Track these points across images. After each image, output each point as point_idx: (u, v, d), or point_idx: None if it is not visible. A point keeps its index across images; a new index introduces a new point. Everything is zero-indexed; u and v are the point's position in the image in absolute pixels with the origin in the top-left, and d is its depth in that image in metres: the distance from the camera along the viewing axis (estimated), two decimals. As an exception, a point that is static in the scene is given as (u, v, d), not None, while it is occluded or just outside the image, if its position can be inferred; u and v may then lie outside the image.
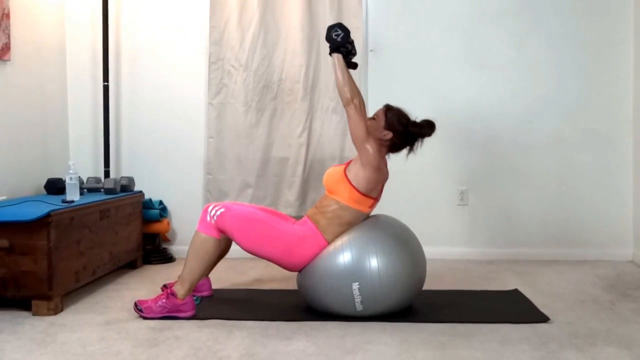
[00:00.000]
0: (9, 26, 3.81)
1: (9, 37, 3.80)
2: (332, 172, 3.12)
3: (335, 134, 4.45)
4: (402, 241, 3.02)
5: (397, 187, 4.47)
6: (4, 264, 3.04)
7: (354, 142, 3.02)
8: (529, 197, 4.47)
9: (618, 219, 4.43)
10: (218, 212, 3.02)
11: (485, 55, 4.46)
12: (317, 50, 4.43)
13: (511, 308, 3.18)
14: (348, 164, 3.09)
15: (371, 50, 4.50)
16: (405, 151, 3.13)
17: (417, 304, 3.16)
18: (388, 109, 3.08)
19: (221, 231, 3.03)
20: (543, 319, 2.95)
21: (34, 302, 3.06)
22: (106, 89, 4.42)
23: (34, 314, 3.05)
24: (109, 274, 3.87)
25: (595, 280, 3.79)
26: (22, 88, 4.03)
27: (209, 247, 3.03)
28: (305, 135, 4.44)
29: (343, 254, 2.91)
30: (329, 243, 3.01)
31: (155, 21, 4.59)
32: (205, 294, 3.39)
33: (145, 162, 4.61)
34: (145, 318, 2.99)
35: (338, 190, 3.03)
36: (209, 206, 3.08)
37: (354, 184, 2.98)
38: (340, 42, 3.02)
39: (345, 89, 3.00)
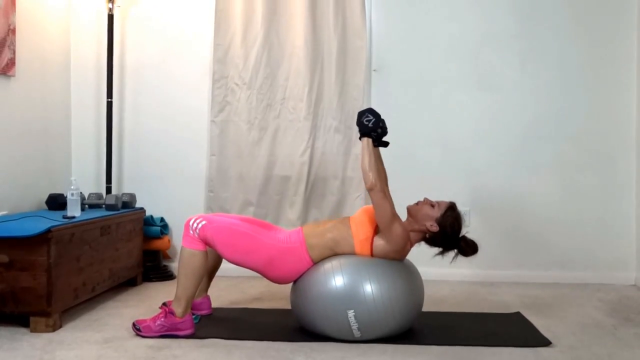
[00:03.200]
0: (15, 42, 3.83)
1: (14, 53, 3.82)
2: (368, 211, 3.05)
3: (337, 152, 4.44)
4: (395, 264, 2.97)
5: (400, 207, 4.46)
6: (3, 280, 3.02)
7: (379, 225, 2.96)
8: (531, 218, 4.46)
9: (621, 242, 4.41)
10: (200, 225, 2.99)
11: (487, 77, 4.47)
12: (320, 69, 4.45)
13: (513, 331, 3.15)
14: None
15: (374, 70, 4.51)
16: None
17: (419, 326, 3.13)
18: (451, 208, 3.05)
19: (205, 243, 3.01)
20: (545, 342, 2.93)
21: (32, 319, 3.04)
22: (110, 105, 4.43)
23: (32, 331, 3.03)
24: (108, 291, 3.85)
25: (598, 304, 3.76)
26: (26, 103, 4.04)
27: (197, 261, 3.00)
28: (307, 153, 4.43)
29: (335, 280, 2.85)
30: (313, 262, 2.98)
31: (159, 38, 4.61)
32: (204, 312, 3.37)
33: (147, 179, 4.61)
34: (144, 337, 2.96)
35: (358, 229, 2.97)
36: (190, 220, 3.04)
37: (373, 244, 2.95)
38: (372, 128, 2.97)
39: (370, 174, 2.90)
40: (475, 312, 3.56)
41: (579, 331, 3.16)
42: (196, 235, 2.99)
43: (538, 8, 4.44)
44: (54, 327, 3.06)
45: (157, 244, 4.44)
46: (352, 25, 4.43)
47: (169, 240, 4.50)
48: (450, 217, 3.01)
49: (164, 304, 3.06)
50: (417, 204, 3.10)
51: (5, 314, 3.08)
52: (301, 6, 4.41)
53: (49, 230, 3.02)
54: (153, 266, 4.41)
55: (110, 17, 4.39)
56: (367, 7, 4.46)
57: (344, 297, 2.83)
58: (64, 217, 3.45)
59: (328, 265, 2.93)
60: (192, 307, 3.15)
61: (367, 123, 2.99)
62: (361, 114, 3.03)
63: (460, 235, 3.05)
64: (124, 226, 3.99)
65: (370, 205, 3.06)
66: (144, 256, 4.32)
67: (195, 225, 3.00)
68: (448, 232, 3.01)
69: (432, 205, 3.04)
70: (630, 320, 3.39)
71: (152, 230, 4.40)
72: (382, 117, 3.04)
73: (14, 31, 3.82)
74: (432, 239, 3.06)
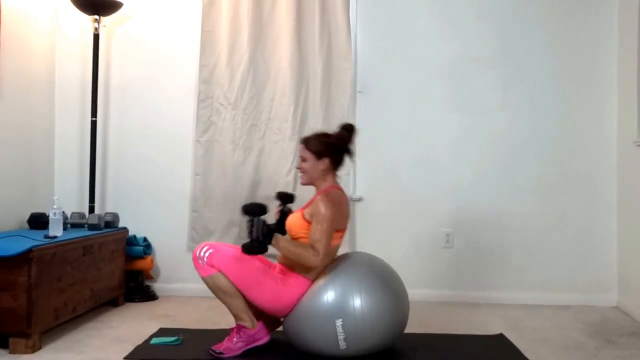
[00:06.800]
0: (-1, 60, 3.82)
1: (-2, 71, 3.81)
2: (293, 221, 3.09)
3: (322, 173, 4.44)
4: (385, 280, 3.02)
5: (384, 228, 4.48)
6: (-18, 300, 2.98)
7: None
8: (514, 240, 4.48)
9: (602, 265, 4.43)
10: (207, 253, 2.99)
11: (471, 99, 4.51)
12: (306, 90, 4.47)
13: (496, 353, 3.15)
14: (303, 209, 3.09)
15: (359, 92, 4.54)
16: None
17: (402, 348, 3.13)
18: (306, 142, 3.14)
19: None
20: (528, 365, 2.94)
21: (11, 340, 3.01)
22: (94, 124, 4.41)
23: (10, 352, 2.99)
24: (89, 312, 3.81)
25: (580, 326, 3.78)
26: (10, 121, 4.01)
27: (221, 281, 2.98)
28: (292, 174, 4.43)
29: (327, 292, 2.90)
30: (312, 281, 3.00)
31: (145, 59, 4.61)
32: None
33: (130, 198, 4.58)
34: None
35: (303, 235, 3.02)
36: (195, 251, 3.04)
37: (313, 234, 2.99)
38: (258, 249, 2.91)
39: (312, 258, 2.91)
40: (458, 333, 3.56)
41: (562, 353, 3.17)
42: (205, 263, 2.98)
43: (521, 31, 4.50)
44: (34, 349, 3.03)
45: (140, 264, 4.40)
46: (337, 47, 4.46)
47: (152, 260, 4.47)
48: (315, 144, 3.10)
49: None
50: (301, 173, 3.18)
51: (-16, 335, 3.04)
52: (287, 28, 4.44)
53: (30, 250, 3.00)
54: (135, 286, 4.37)
55: (96, 37, 4.38)
56: (352, 29, 4.50)
57: (334, 306, 2.87)
58: (46, 236, 3.41)
59: (322, 280, 2.97)
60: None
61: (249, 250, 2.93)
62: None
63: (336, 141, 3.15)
64: (107, 246, 3.96)
65: (289, 220, 3.15)
66: (127, 276, 4.29)
67: (202, 254, 3.00)
68: (332, 150, 3.11)
69: (304, 160, 3.12)
70: (612, 343, 3.40)
71: (134, 250, 4.37)
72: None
73: (-2, 49, 3.81)
74: (335, 163, 3.15)
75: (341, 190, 3.18)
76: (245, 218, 2.93)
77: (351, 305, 2.86)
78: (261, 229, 2.87)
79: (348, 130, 3.18)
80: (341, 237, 3.11)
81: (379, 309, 2.90)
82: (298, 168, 3.21)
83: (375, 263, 3.11)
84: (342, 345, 2.87)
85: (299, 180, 4.37)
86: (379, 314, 2.89)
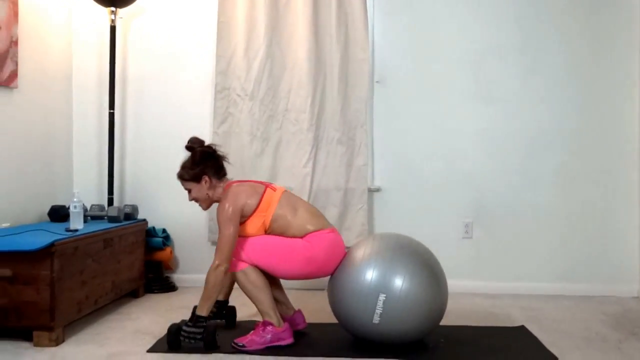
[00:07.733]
0: (17, 53, 3.82)
1: (16, 65, 3.81)
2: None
3: (340, 164, 4.43)
4: (437, 278, 3.03)
5: (402, 218, 4.46)
6: (6, 294, 3.01)
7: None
8: (534, 230, 4.45)
9: (623, 255, 4.40)
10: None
11: (491, 89, 4.47)
12: (323, 81, 4.44)
13: (519, 346, 3.14)
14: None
15: (377, 82, 4.52)
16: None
17: (424, 339, 3.12)
18: (180, 177, 3.26)
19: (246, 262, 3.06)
20: (551, 358, 2.92)
21: (35, 333, 3.03)
22: (112, 117, 4.41)
23: (35, 345, 3.01)
24: (110, 304, 3.83)
25: (602, 317, 3.75)
26: (28, 115, 4.03)
27: (253, 274, 3.05)
28: (310, 165, 4.42)
29: (381, 265, 2.94)
30: (324, 228, 3.12)
31: (162, 50, 4.60)
32: (300, 327, 3.36)
33: (149, 190, 4.59)
34: (248, 352, 2.99)
35: (247, 230, 3.12)
36: None
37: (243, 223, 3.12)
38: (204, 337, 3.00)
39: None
40: (479, 325, 3.54)
41: (584, 346, 3.15)
42: (235, 259, 3.05)
43: (541, 21, 4.44)
44: (57, 342, 3.05)
45: (160, 255, 4.42)
46: (354, 37, 4.43)
47: (171, 252, 4.48)
48: (187, 173, 3.23)
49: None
50: (197, 203, 3.30)
51: (8, 328, 3.06)
52: (303, 18, 4.41)
53: (52, 244, 3.01)
54: (155, 278, 4.39)
55: (113, 29, 4.37)
56: (369, 19, 4.46)
57: (382, 281, 2.90)
58: (67, 229, 3.43)
59: (375, 255, 3.01)
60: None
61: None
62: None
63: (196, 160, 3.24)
64: (126, 238, 3.97)
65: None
66: (146, 267, 4.30)
67: None
68: (200, 168, 3.20)
69: (190, 190, 3.24)
70: (635, 334, 3.37)
71: (154, 241, 4.38)
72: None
73: (16, 43, 3.81)
74: (214, 174, 3.22)
75: (233, 183, 3.23)
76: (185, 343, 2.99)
77: (399, 286, 2.89)
78: (192, 332, 2.97)
79: (190, 148, 3.28)
80: (266, 212, 3.12)
81: (421, 300, 2.92)
82: (191, 200, 3.28)
83: (434, 257, 3.15)
84: (376, 319, 2.90)
85: (317, 172, 4.42)
86: (420, 304, 2.91)
